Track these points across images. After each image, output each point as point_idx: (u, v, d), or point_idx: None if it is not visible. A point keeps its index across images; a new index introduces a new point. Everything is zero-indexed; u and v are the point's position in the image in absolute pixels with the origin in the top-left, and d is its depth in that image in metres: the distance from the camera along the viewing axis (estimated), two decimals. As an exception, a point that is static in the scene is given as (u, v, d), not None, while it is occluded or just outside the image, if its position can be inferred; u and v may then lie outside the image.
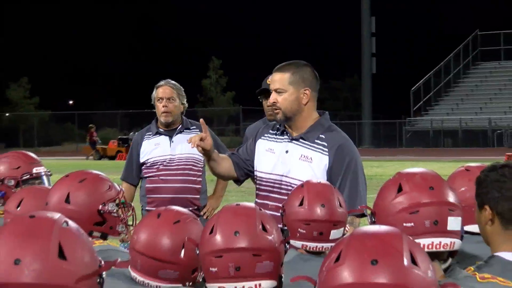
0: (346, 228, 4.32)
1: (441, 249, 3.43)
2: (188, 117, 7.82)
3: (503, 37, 60.44)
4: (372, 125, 58.01)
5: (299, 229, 4.21)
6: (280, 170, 5.49)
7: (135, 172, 7.62)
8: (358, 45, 60.04)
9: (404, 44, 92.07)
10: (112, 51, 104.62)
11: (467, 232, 3.84)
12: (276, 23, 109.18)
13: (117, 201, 4.32)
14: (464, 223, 3.66)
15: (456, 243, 3.47)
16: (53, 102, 74.83)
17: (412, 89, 58.96)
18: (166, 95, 7.49)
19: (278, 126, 5.62)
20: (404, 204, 3.46)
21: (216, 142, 7.83)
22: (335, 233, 4.21)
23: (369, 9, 58.28)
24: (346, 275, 2.42)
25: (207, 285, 3.43)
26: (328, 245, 4.15)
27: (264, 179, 5.59)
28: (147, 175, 7.54)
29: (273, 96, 5.46)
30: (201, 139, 5.34)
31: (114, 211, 4.30)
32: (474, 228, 3.82)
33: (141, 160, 7.54)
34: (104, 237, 4.28)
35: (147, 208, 7.15)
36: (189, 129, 7.64)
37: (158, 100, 7.51)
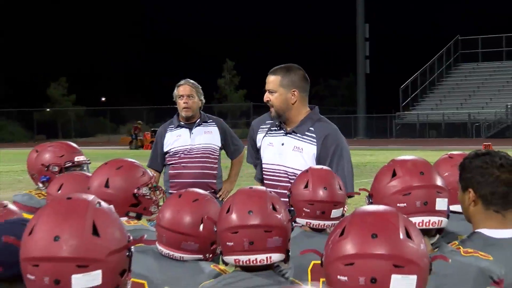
0: (345, 208, 4.31)
1: (430, 226, 3.43)
2: (205, 112, 7.87)
3: (480, 42, 60.52)
4: (366, 118, 58.06)
5: (304, 209, 4.22)
6: (278, 160, 5.62)
7: (160, 160, 7.65)
8: (353, 48, 60.07)
9: (394, 47, 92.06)
10: (140, 54, 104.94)
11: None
12: (281, 30, 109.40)
13: (149, 186, 4.37)
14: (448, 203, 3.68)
15: (443, 221, 3.48)
16: (87, 99, 75.15)
17: (401, 87, 59.02)
18: (186, 93, 7.53)
19: (276, 121, 5.70)
20: (398, 187, 3.46)
21: (231, 135, 7.89)
22: (335, 212, 4.23)
23: (363, 17, 58.33)
24: (349, 247, 2.44)
25: (224, 257, 3.43)
26: (329, 222, 4.20)
27: (267, 169, 5.73)
28: (170, 162, 7.58)
29: (267, 95, 5.62)
30: None
31: (147, 194, 4.34)
32: (456, 207, 3.82)
33: (165, 150, 7.58)
34: (138, 217, 4.34)
35: (170, 191, 7.15)
36: (206, 122, 7.69)
37: (179, 97, 7.56)
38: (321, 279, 3.83)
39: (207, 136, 7.58)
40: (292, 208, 4.17)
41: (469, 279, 3.19)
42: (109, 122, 69.22)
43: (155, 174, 7.26)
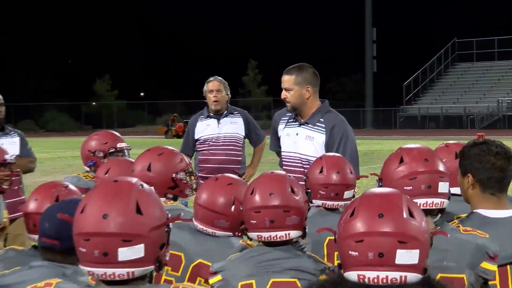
0: (355, 190, 4.31)
1: (433, 207, 3.42)
2: (231, 105, 7.88)
3: (475, 44, 60.23)
4: (373, 112, 57.88)
5: (319, 191, 4.22)
6: (293, 148, 5.65)
7: (191, 146, 7.68)
8: (362, 50, 59.86)
9: (398, 49, 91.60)
10: (174, 55, 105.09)
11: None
12: (299, 34, 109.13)
13: (186, 171, 4.38)
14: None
15: (445, 202, 3.48)
16: (128, 94, 75.32)
17: (404, 83, 58.79)
18: (215, 88, 7.58)
19: (293, 114, 5.73)
20: (404, 172, 3.46)
21: (254, 126, 7.90)
22: (347, 194, 4.24)
23: (371, 22, 58.16)
24: (359, 226, 2.44)
25: (249, 233, 3.45)
26: (342, 203, 4.20)
27: (284, 156, 5.76)
28: (200, 149, 7.62)
29: (284, 93, 5.64)
30: None
31: (184, 178, 4.36)
32: (453, 190, 3.80)
33: (196, 137, 7.62)
34: (175, 198, 4.36)
35: (199, 175, 7.16)
36: (232, 113, 7.75)
37: (210, 92, 7.60)
38: (335, 253, 3.84)
39: (233, 126, 7.61)
40: (309, 191, 4.17)
41: (467, 254, 3.19)
42: (146, 114, 69.42)
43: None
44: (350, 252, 2.43)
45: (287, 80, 5.62)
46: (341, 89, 70.50)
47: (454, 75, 60.30)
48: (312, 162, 4.92)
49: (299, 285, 3.15)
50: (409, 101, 58.25)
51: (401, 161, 3.49)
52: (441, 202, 3.44)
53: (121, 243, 2.40)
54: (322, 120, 5.57)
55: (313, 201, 4.21)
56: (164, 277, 3.65)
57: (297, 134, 5.64)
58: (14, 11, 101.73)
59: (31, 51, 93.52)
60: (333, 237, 2.58)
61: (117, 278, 2.43)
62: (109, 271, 2.42)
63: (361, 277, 2.40)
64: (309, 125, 5.59)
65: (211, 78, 7.74)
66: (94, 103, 72.33)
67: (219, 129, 7.55)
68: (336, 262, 3.27)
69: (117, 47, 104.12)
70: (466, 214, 3.65)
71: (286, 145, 5.74)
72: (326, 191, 4.21)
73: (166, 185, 4.24)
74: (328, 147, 5.44)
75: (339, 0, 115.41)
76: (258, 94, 69.70)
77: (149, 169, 4.27)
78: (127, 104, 73.29)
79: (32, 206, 3.67)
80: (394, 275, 2.38)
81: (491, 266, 3.15)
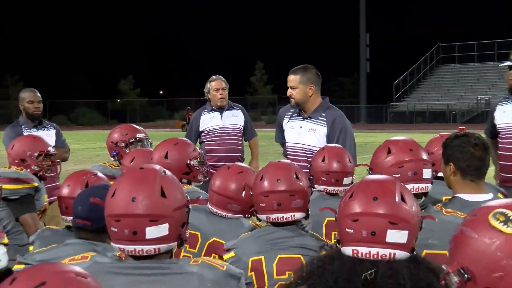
0: (353, 177, 4.32)
1: (419, 191, 3.45)
2: (240, 103, 7.85)
3: (457, 48, 60.01)
4: (366, 108, 57.68)
5: (321, 178, 4.23)
6: (297, 139, 5.67)
7: (194, 137, 7.53)
8: (357, 53, 59.66)
9: (389, 52, 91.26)
10: (190, 56, 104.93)
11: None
12: (301, 39, 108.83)
13: (198, 159, 4.39)
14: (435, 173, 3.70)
15: (429, 186, 3.50)
16: (149, 92, 75.26)
17: (394, 83, 58.54)
18: (221, 86, 7.50)
19: (296, 109, 5.75)
20: (392, 162, 3.47)
21: (249, 121, 7.83)
22: (346, 180, 4.24)
23: (365, 28, 58.01)
24: (356, 206, 2.44)
25: (258, 215, 3.46)
26: (342, 188, 4.20)
27: (289, 147, 5.78)
28: (205, 140, 7.51)
29: (290, 91, 5.68)
30: None
31: (197, 165, 4.37)
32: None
33: (201, 129, 7.49)
34: (189, 183, 4.37)
35: (208, 163, 7.14)
36: (233, 107, 7.66)
37: (216, 90, 7.49)
38: (333, 233, 3.86)
39: (235, 118, 7.54)
40: (312, 177, 4.18)
41: (450, 233, 3.18)
42: (165, 110, 69.19)
43: None
44: (346, 229, 2.43)
45: (293, 79, 5.65)
46: (338, 88, 70.16)
47: (438, 75, 60.02)
48: (314, 151, 5.00)
49: (303, 260, 3.13)
50: (399, 98, 58.01)
51: (389, 152, 3.50)
52: (425, 186, 3.48)
53: (149, 223, 2.42)
54: (323, 114, 5.59)
55: (316, 186, 4.23)
56: (182, 253, 3.66)
57: (301, 127, 5.66)
58: (53, 19, 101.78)
59: (64, 54, 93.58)
60: (332, 218, 2.60)
61: (145, 254, 2.44)
62: (138, 247, 2.43)
63: (355, 251, 2.40)
64: (312, 119, 5.61)
65: (214, 77, 7.65)
66: (119, 100, 72.17)
67: (222, 121, 7.46)
68: (333, 241, 3.29)
69: (139, 51, 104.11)
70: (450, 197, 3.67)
71: (291, 137, 5.75)
72: (328, 178, 4.22)
73: (181, 171, 4.27)
74: (329, 139, 5.46)
75: (337, 11, 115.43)
76: (265, 92, 69.40)
77: (166, 156, 4.32)
78: (148, 101, 73.13)
79: (65, 191, 3.71)
80: (384, 252, 2.37)
81: None
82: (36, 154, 5.09)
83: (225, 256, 3.38)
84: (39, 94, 7.18)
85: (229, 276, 2.47)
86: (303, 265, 2.61)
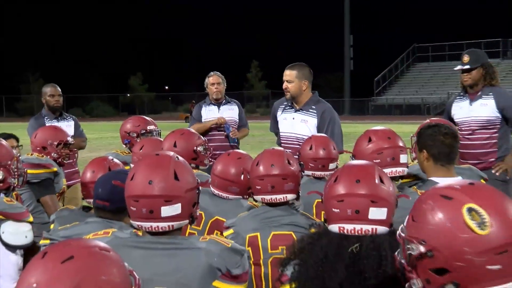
0: (337, 162, 4.34)
1: (397, 175, 3.47)
2: (238, 97, 7.79)
3: (430, 48, 59.93)
4: (350, 101, 57.55)
5: (309, 164, 4.24)
6: (290, 129, 5.69)
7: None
8: (342, 53, 59.55)
9: (370, 52, 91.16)
10: (192, 55, 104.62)
11: None
12: (293, 40, 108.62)
13: (203, 146, 4.40)
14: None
15: (405, 170, 3.52)
16: (156, 87, 74.93)
17: (375, 79, 58.46)
18: (216, 81, 7.44)
19: (289, 102, 5.75)
20: (373, 149, 3.49)
21: (243, 115, 7.71)
22: (331, 166, 4.25)
23: (349, 30, 57.88)
24: (340, 189, 2.45)
25: (254, 196, 3.47)
26: (328, 173, 4.20)
27: (283, 136, 5.79)
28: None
29: (285, 84, 5.70)
30: None
31: (202, 151, 4.38)
32: None
33: (203, 120, 7.40)
34: (197, 167, 4.37)
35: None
36: (229, 102, 7.58)
37: (212, 84, 7.44)
38: (322, 212, 3.90)
39: (231, 112, 7.45)
40: (302, 163, 4.20)
41: None
42: (170, 103, 69.11)
43: None
44: (333, 209, 2.45)
45: (289, 74, 5.68)
46: (325, 84, 70.05)
47: (414, 72, 59.90)
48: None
49: (294, 236, 3.17)
50: (379, 93, 57.90)
51: (370, 140, 3.53)
52: (402, 170, 3.50)
53: (163, 203, 2.44)
54: (314, 107, 5.62)
55: (305, 171, 4.22)
56: (188, 230, 3.67)
57: (293, 118, 5.68)
58: (71, 22, 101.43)
59: (80, 53, 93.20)
60: (320, 200, 2.62)
61: (160, 230, 2.47)
62: (154, 224, 2.46)
63: (341, 228, 2.42)
64: (304, 111, 5.63)
65: (212, 73, 7.57)
66: (129, 95, 71.77)
67: (219, 113, 7.38)
68: (322, 219, 3.33)
69: (147, 50, 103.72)
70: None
71: (284, 127, 5.76)
72: (315, 164, 4.23)
73: (189, 157, 4.23)
74: (319, 129, 5.48)
75: (324, 16, 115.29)
76: (259, 88, 69.12)
77: (175, 145, 4.33)
78: (155, 96, 72.74)
79: (89, 176, 3.71)
80: (367, 227, 2.39)
81: None
82: (56, 143, 5.11)
83: (225, 233, 3.40)
84: (59, 89, 7.19)
85: (233, 252, 2.48)
86: (295, 242, 2.63)
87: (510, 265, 1.66)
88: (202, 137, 4.54)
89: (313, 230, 2.77)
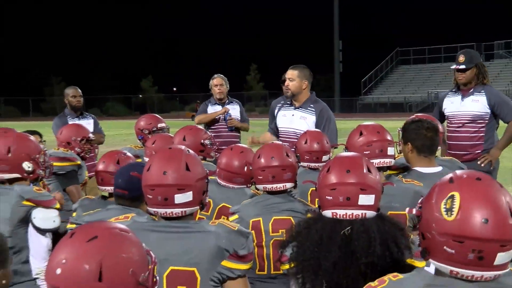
0: (330, 155, 4.35)
1: (384, 165, 3.46)
2: (238, 97, 7.78)
3: (412, 52, 59.91)
4: (340, 100, 57.44)
5: (305, 156, 4.24)
6: (290, 125, 5.67)
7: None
8: (332, 56, 59.47)
9: (357, 55, 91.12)
10: (197, 58, 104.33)
11: None
12: (287, 45, 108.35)
13: (210, 140, 4.41)
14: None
15: (392, 161, 3.52)
16: (165, 89, 74.81)
17: (362, 80, 58.45)
18: (219, 83, 7.44)
19: (288, 101, 5.74)
20: (363, 142, 3.48)
21: (244, 113, 7.70)
22: (325, 158, 4.24)
23: (338, 35, 57.79)
24: (332, 178, 2.47)
25: (257, 186, 3.46)
26: (321, 164, 4.17)
27: (282, 131, 5.76)
28: (211, 127, 7.39)
29: (287, 82, 5.70)
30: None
31: (209, 144, 4.39)
32: None
33: None
34: (204, 158, 4.36)
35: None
36: (232, 102, 7.58)
37: (216, 86, 7.45)
38: (316, 199, 3.91)
39: (233, 111, 7.43)
40: (298, 155, 4.20)
41: (408, 197, 3.22)
42: (178, 103, 69.09)
43: None
44: (326, 196, 2.46)
45: (292, 73, 5.69)
46: (317, 84, 70.00)
47: (397, 74, 59.84)
48: None
49: (293, 221, 3.17)
50: (366, 93, 57.82)
51: (361, 134, 3.52)
52: (389, 161, 3.50)
53: (176, 191, 2.44)
54: (312, 106, 5.62)
55: (301, 163, 4.22)
56: (198, 215, 3.67)
57: (293, 115, 5.66)
58: (89, 31, 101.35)
59: (97, 58, 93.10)
60: (314, 188, 2.62)
61: (174, 216, 2.47)
62: (169, 210, 2.46)
63: (334, 214, 2.43)
64: (302, 109, 5.63)
65: (215, 76, 7.56)
66: (140, 96, 71.70)
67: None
68: (316, 206, 3.35)
69: (157, 55, 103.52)
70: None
71: (283, 123, 5.74)
72: (310, 156, 4.23)
73: (197, 149, 4.19)
74: (317, 125, 5.47)
75: (315, 23, 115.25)
76: (258, 89, 69.07)
77: (184, 139, 4.31)
78: (164, 96, 72.71)
79: (101, 166, 3.76)
80: (357, 212, 2.41)
81: None
82: (79, 139, 5.14)
83: (231, 218, 3.39)
84: (79, 90, 7.20)
85: (239, 234, 2.48)
86: (293, 226, 2.63)
87: (462, 255, 1.73)
88: (208, 132, 4.55)
89: (309, 215, 2.78)
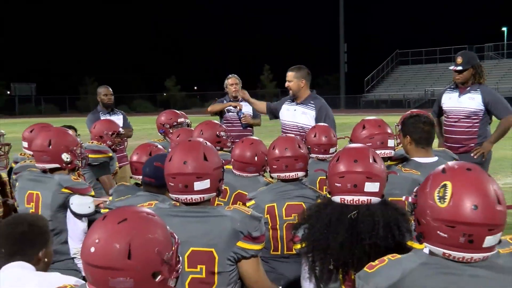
0: (336, 147, 4.33)
1: (385, 156, 3.45)
2: (253, 95, 7.60)
3: (410, 53, 59.50)
4: (345, 98, 57.20)
5: (314, 148, 4.21)
6: (292, 119, 5.63)
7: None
8: (338, 57, 59.19)
9: (361, 56, 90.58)
10: (215, 59, 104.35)
11: None
12: (298, 47, 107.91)
13: (224, 132, 4.42)
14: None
15: (392, 152, 3.51)
16: (187, 87, 74.88)
17: (365, 79, 58.16)
18: (234, 82, 7.30)
19: (291, 98, 5.72)
20: (366, 134, 3.49)
21: (255, 111, 7.65)
22: (332, 150, 4.22)
23: (344, 39, 57.56)
24: (341, 167, 2.47)
25: (271, 174, 3.45)
26: (328, 155, 4.18)
27: (285, 125, 5.71)
28: (226, 122, 7.24)
29: (287, 83, 5.71)
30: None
31: (224, 136, 4.39)
32: None
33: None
34: (221, 149, 4.38)
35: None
36: (244, 100, 7.53)
37: (231, 85, 7.29)
38: (324, 187, 3.90)
39: (246, 107, 7.27)
40: (309, 147, 4.18)
41: (407, 184, 3.21)
42: (198, 100, 69.24)
43: None
44: (335, 184, 2.45)
45: (289, 75, 5.68)
46: (325, 83, 69.67)
47: (397, 73, 59.45)
48: (305, 128, 5.15)
49: (304, 206, 3.17)
50: (368, 90, 57.55)
51: (364, 127, 3.52)
52: (389, 152, 3.49)
53: (196, 179, 2.44)
54: (312, 102, 5.58)
55: (311, 154, 4.21)
56: (216, 202, 3.68)
57: (295, 110, 5.64)
58: (120, 36, 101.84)
59: (126, 61, 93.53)
60: (322, 177, 2.63)
61: (193, 201, 2.47)
62: (189, 197, 2.46)
63: (343, 199, 2.44)
64: (304, 105, 5.59)
65: (230, 76, 7.44)
66: (165, 94, 71.86)
67: (237, 109, 7.26)
68: (325, 193, 3.35)
69: (180, 57, 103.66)
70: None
71: (286, 117, 5.71)
72: (319, 148, 4.21)
73: (214, 141, 4.25)
74: (316, 119, 5.44)
75: (322, 27, 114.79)
76: (270, 87, 68.96)
77: (201, 133, 4.34)
78: (186, 95, 72.87)
79: (135, 157, 3.77)
80: (363, 198, 2.41)
81: None
82: (110, 133, 5.16)
83: (248, 204, 3.40)
84: (110, 89, 7.23)
85: (252, 218, 2.48)
86: (305, 210, 2.64)
87: (454, 238, 1.76)
88: (222, 125, 4.55)
89: (319, 200, 2.79)
